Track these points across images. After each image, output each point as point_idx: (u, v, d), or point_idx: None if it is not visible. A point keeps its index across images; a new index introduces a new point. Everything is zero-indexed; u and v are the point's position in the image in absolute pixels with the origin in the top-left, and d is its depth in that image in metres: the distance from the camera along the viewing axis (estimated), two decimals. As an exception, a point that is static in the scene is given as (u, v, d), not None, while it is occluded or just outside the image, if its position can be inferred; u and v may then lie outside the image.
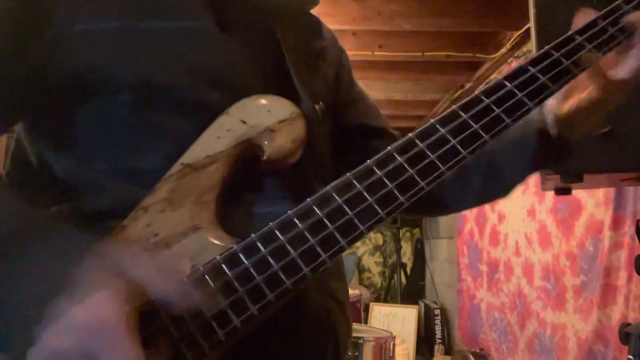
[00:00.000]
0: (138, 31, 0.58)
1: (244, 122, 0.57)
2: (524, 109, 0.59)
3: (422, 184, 0.53)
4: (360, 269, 5.76)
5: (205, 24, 0.61)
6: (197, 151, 0.55)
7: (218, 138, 0.56)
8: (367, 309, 4.56)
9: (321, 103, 0.70)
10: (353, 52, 3.01)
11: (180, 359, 0.45)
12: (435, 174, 0.54)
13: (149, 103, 0.57)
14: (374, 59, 3.11)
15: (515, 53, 2.91)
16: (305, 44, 0.73)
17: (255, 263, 0.48)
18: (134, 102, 0.56)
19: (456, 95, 3.80)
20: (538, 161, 0.77)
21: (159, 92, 0.57)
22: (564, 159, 0.76)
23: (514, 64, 2.99)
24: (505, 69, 3.12)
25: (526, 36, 2.68)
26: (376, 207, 0.52)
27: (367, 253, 5.81)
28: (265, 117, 0.57)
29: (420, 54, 3.03)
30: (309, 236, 0.50)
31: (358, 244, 5.77)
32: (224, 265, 0.48)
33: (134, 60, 0.57)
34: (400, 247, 5.23)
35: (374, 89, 3.83)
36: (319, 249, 0.50)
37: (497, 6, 2.64)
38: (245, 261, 0.48)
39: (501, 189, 0.83)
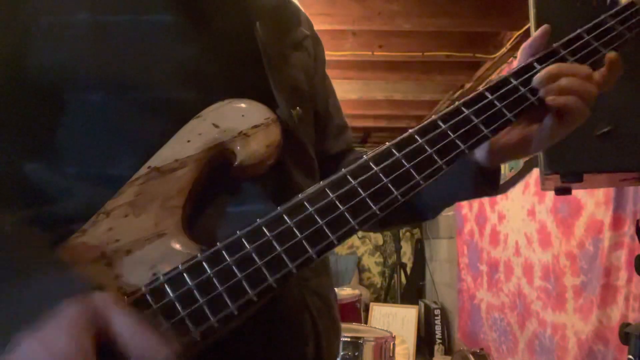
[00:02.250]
0: (107, 25, 0.55)
1: (217, 126, 0.55)
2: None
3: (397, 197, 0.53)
4: (360, 269, 5.76)
5: (178, 18, 0.59)
6: (165, 154, 0.53)
7: (188, 142, 0.54)
8: (367, 309, 4.55)
9: (298, 108, 0.67)
10: (353, 52, 3.01)
11: None
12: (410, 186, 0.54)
13: (120, 102, 0.55)
14: (374, 59, 3.11)
15: (515, 53, 2.91)
16: (284, 37, 0.70)
17: (218, 272, 0.46)
18: (103, 101, 0.54)
19: (456, 95, 3.80)
20: (458, 189, 0.71)
21: (129, 90, 0.55)
22: (487, 188, 0.70)
23: (514, 64, 2.99)
24: (506, 69, 3.12)
25: (526, 36, 2.68)
26: (348, 217, 0.51)
27: (367, 253, 5.81)
28: (238, 122, 0.55)
29: (420, 54, 3.03)
30: (276, 245, 0.48)
31: (358, 243, 5.76)
32: (185, 274, 0.46)
33: (104, 56, 0.55)
34: (400, 247, 5.23)
35: (374, 89, 3.83)
36: (286, 259, 0.48)
37: (497, 6, 2.64)
38: (208, 270, 0.46)
39: (420, 213, 0.77)
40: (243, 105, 0.57)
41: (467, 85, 3.60)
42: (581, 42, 0.65)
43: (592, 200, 2.21)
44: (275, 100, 0.62)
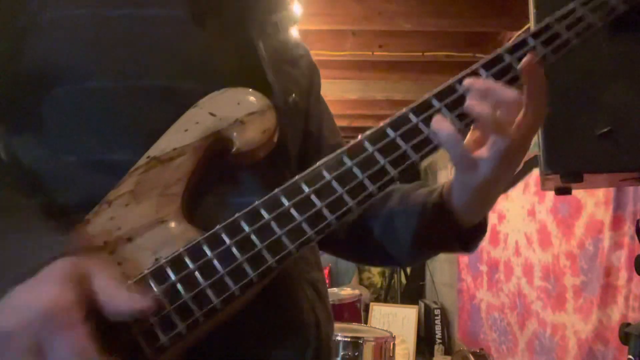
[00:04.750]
0: (108, 19, 0.58)
1: (213, 115, 0.56)
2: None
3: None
4: (360, 269, 5.76)
5: (177, 13, 0.61)
6: (164, 144, 0.54)
7: (186, 131, 0.55)
8: (367, 309, 4.55)
9: (293, 95, 0.69)
10: (353, 52, 3.01)
11: (138, 353, 0.44)
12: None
13: (117, 91, 0.56)
14: (374, 59, 3.11)
15: (515, 53, 2.91)
16: (280, 50, 0.72)
17: (219, 255, 0.48)
18: (102, 89, 0.56)
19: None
20: (424, 232, 0.66)
21: (129, 78, 0.56)
22: (447, 241, 0.66)
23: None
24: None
25: (526, 36, 2.68)
26: (346, 198, 0.52)
27: (367, 253, 5.80)
28: (234, 109, 0.57)
29: (420, 54, 3.03)
30: (275, 227, 0.49)
31: (358, 244, 5.76)
32: (186, 258, 0.47)
33: (103, 47, 0.57)
34: (400, 247, 5.22)
35: (374, 89, 3.83)
36: (285, 240, 0.49)
37: (497, 6, 2.64)
38: (208, 253, 0.48)
39: (399, 251, 0.72)
40: (239, 93, 0.58)
41: (467, 85, 3.60)
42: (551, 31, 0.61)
43: (592, 200, 2.21)
44: (271, 89, 0.64)
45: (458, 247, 0.67)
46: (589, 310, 2.21)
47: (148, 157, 0.54)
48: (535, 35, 0.60)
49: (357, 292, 3.32)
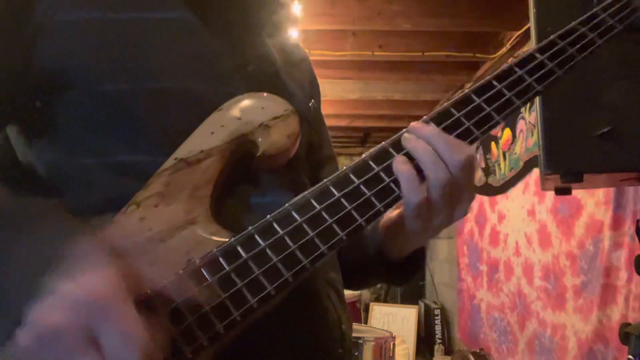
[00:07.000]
0: (119, 22, 0.58)
1: (238, 119, 0.57)
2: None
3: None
4: (360, 269, 5.76)
5: (187, 16, 0.62)
6: (190, 146, 0.55)
7: (212, 133, 0.56)
8: (367, 309, 4.56)
9: (313, 101, 0.71)
10: (353, 52, 3.01)
11: (178, 353, 0.44)
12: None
13: (131, 93, 0.56)
14: (374, 59, 3.11)
15: (515, 53, 2.91)
16: (284, 51, 0.73)
17: (253, 256, 0.48)
18: (116, 92, 0.56)
19: (456, 95, 3.81)
20: (365, 261, 0.73)
21: (141, 81, 0.57)
22: (387, 273, 0.72)
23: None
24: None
25: (526, 36, 2.69)
26: (374, 200, 0.53)
27: (367, 253, 5.80)
28: (259, 114, 0.57)
29: (420, 54, 3.04)
30: (307, 229, 0.50)
31: (358, 244, 5.76)
32: (221, 259, 0.48)
33: (114, 50, 0.57)
34: (400, 247, 5.22)
35: (374, 89, 3.84)
36: (317, 241, 0.50)
37: (497, 6, 2.64)
38: (243, 254, 0.48)
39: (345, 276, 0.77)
40: (262, 98, 0.59)
41: (467, 85, 3.60)
42: (578, 33, 0.67)
43: (592, 200, 2.21)
44: (291, 94, 0.65)
45: (389, 278, 0.73)
46: (589, 310, 2.21)
47: (175, 158, 0.54)
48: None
49: (357, 292, 3.32)
